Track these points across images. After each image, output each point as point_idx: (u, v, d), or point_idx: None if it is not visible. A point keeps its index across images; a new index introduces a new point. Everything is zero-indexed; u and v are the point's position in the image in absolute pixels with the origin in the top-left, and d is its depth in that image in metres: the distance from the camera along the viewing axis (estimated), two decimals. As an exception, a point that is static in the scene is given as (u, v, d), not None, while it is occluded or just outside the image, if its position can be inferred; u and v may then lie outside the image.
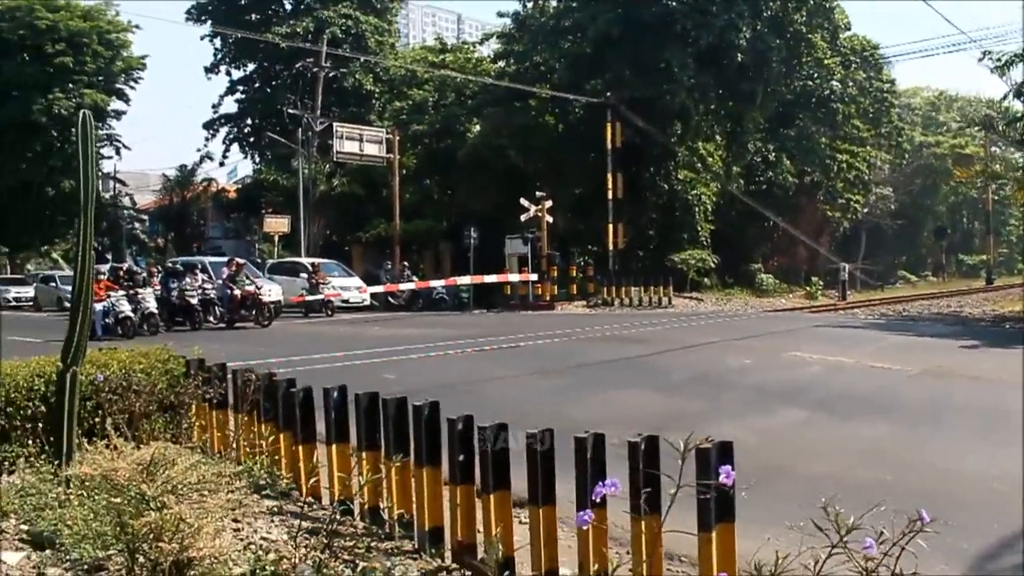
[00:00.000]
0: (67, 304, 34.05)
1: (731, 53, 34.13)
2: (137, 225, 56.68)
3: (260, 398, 6.00)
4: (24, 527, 4.51)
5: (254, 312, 23.70)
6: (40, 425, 5.97)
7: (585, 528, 2.71)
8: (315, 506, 5.59)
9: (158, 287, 22.99)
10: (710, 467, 3.65)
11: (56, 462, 4.92)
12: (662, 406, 10.43)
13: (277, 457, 5.94)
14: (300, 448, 5.71)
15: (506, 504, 4.62)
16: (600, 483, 2.75)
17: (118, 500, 3.84)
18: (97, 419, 6.14)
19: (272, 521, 5.10)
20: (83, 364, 5.47)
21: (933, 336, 19.27)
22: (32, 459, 5.82)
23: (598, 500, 3.00)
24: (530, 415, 9.29)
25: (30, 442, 5.91)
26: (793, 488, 6.81)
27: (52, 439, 5.69)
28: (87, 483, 4.78)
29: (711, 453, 3.64)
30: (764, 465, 7.36)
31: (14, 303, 39.83)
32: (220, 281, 24.14)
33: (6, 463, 5.90)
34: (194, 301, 22.91)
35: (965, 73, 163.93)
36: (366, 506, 5.31)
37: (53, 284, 38.39)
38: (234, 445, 6.17)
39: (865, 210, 53.53)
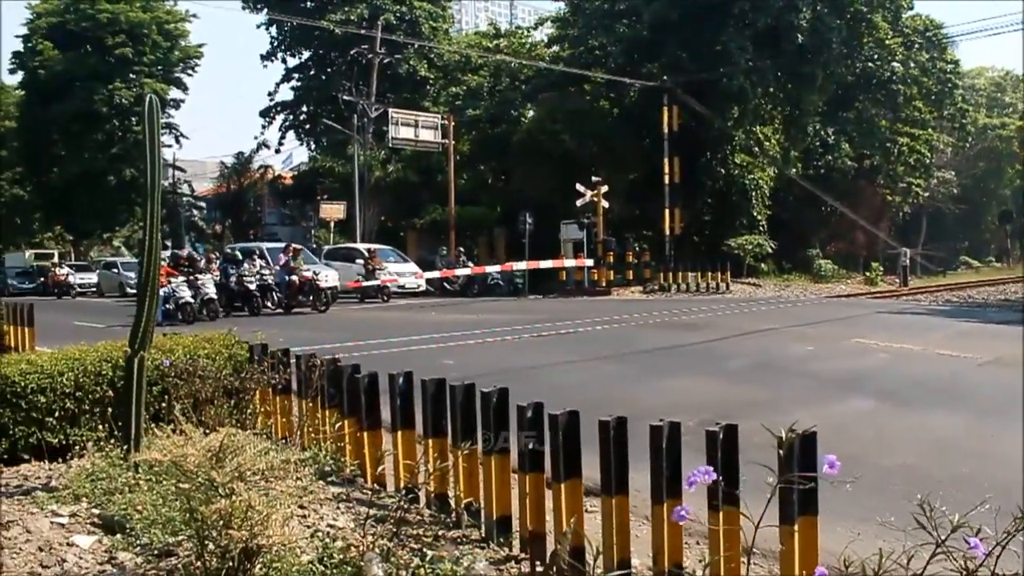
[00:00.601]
0: (129, 290, 34.80)
1: (790, 35, 33.55)
2: (195, 212, 57.48)
3: (324, 383, 5.95)
4: (95, 511, 4.52)
5: (311, 298, 23.86)
6: (109, 410, 6.02)
7: (680, 521, 2.58)
8: (381, 493, 5.54)
9: (217, 273, 23.25)
10: (794, 457, 3.52)
11: (125, 447, 4.92)
12: (726, 394, 10.25)
13: (342, 443, 5.90)
14: (365, 434, 5.66)
15: (577, 493, 4.51)
16: (696, 471, 2.63)
17: (187, 486, 3.81)
18: (163, 404, 6.19)
19: (338, 508, 5.06)
20: (150, 349, 5.46)
21: (1001, 323, 18.73)
22: (101, 443, 5.86)
23: (692, 489, 2.87)
24: (594, 401, 9.17)
25: (99, 427, 5.95)
26: (868, 480, 6.59)
27: (120, 424, 5.73)
28: (156, 468, 4.78)
29: (797, 443, 3.50)
30: (836, 456, 7.15)
31: (78, 289, 40.61)
32: (278, 267, 24.32)
33: (76, 447, 5.95)
34: (252, 287, 23.12)
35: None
36: (433, 494, 5.24)
37: (115, 270, 39.15)
38: (298, 431, 6.14)
39: (926, 194, 52.29)
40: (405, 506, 5.12)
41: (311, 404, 6.29)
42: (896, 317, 19.79)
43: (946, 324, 18.23)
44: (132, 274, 35.49)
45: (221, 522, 3.79)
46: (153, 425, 5.65)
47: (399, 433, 5.44)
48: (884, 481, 6.66)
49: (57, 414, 5.91)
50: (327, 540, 4.43)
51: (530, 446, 4.64)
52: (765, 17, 33.03)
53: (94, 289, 40.63)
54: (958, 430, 8.53)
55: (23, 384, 5.79)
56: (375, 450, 5.50)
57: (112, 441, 5.84)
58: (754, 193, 37.22)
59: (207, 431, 5.71)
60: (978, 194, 66.47)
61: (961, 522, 2.50)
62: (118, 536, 4.29)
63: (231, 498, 3.71)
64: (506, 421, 4.83)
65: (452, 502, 5.15)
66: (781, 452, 2.77)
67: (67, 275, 39.53)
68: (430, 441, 5.20)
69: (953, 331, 16.95)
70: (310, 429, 6.17)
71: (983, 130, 64.80)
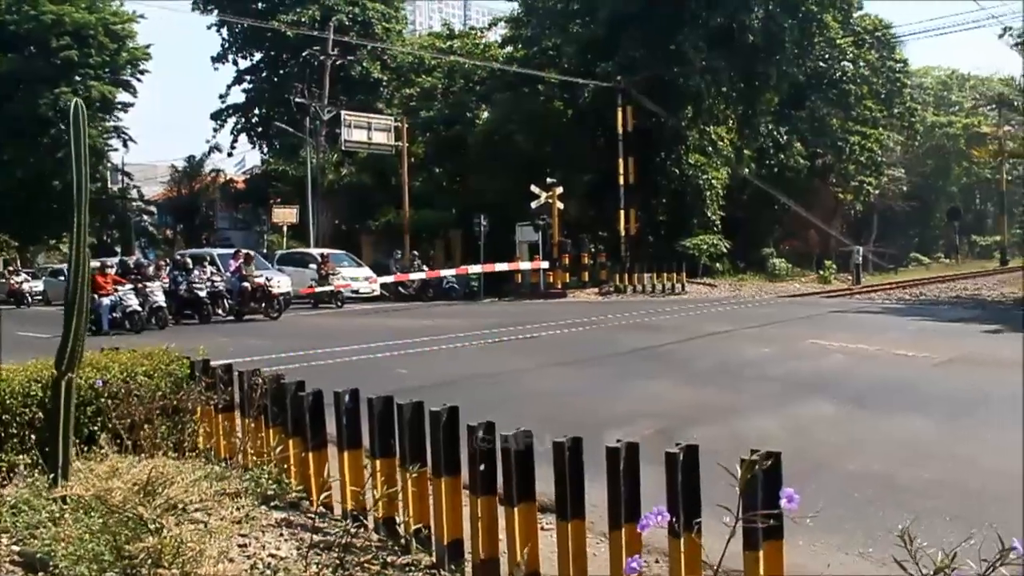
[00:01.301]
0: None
1: (743, 34, 33.65)
2: (146, 217, 56.48)
3: (267, 402, 5.67)
4: (15, 548, 4.20)
5: (263, 304, 23.41)
6: (36, 434, 5.68)
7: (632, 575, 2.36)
8: (327, 518, 5.28)
9: (167, 280, 22.75)
10: (757, 487, 3.33)
11: (51, 476, 4.61)
12: (687, 399, 10.09)
13: (286, 465, 5.62)
14: (311, 455, 5.39)
15: (532, 516, 4.30)
16: (649, 514, 2.42)
17: (113, 522, 3.54)
18: (96, 426, 5.86)
19: (281, 535, 4.79)
20: (80, 368, 5.14)
21: (954, 321, 18.87)
22: (29, 470, 5.53)
23: (645, 532, 2.66)
24: (551, 413, 8.98)
25: (23, 454, 5.62)
26: (835, 488, 6.47)
27: (48, 449, 5.41)
28: (83, 500, 4.49)
29: (760, 476, 3.30)
30: (800, 462, 7.05)
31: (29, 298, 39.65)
32: (228, 273, 23.88)
33: (0, 473, 5.61)
34: (203, 294, 22.68)
35: (977, 51, 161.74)
36: (381, 518, 4.99)
37: (62, 278, 38.07)
38: (240, 453, 5.85)
39: (877, 192, 52.84)
40: (352, 531, 4.88)
41: (253, 423, 6.00)
42: (851, 316, 19.84)
43: (901, 323, 18.30)
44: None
45: (150, 560, 3.52)
46: (85, 448, 5.34)
47: (345, 454, 5.18)
48: (850, 488, 6.54)
49: (-20, 439, 5.57)
50: (267, 572, 4.18)
51: (481, 467, 4.42)
52: (719, 16, 33.11)
53: (40, 297, 39.63)
54: (921, 433, 8.43)
55: (-57, 409, 5.45)
56: (320, 472, 5.24)
57: (39, 469, 5.52)
58: (708, 193, 37.24)
59: (143, 455, 5.43)
60: (927, 191, 67.43)
61: (944, 565, 2.30)
62: (40, 575, 3.99)
63: (161, 534, 3.45)
64: (456, 441, 4.60)
65: (401, 527, 4.90)
66: (739, 489, 2.56)
67: (22, 282, 37.79)
68: (378, 462, 4.95)
69: (908, 330, 17.01)
70: (252, 450, 5.88)
71: (931, 128, 65.75)
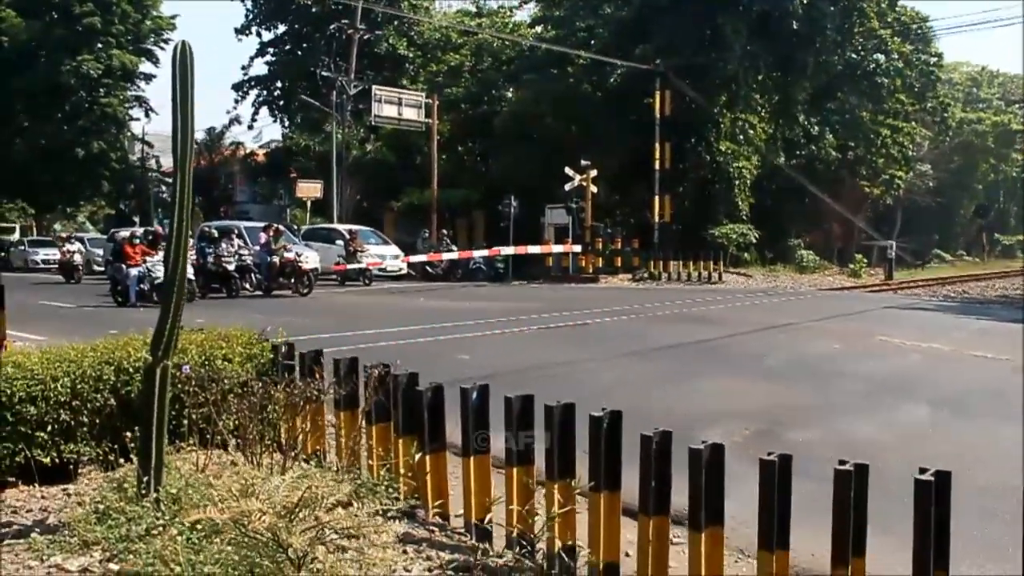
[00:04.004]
0: (96, 267, 32.64)
1: (785, 20, 32.77)
2: (164, 188, 55.79)
3: (374, 395, 4.95)
4: (112, 566, 3.53)
5: (292, 280, 22.75)
6: (108, 423, 5.05)
7: None
8: (446, 530, 4.62)
9: (193, 253, 22.08)
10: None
11: (145, 479, 3.93)
12: (770, 397, 9.42)
13: (386, 462, 4.94)
14: (427, 458, 4.72)
15: (718, 544, 3.64)
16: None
17: (248, 551, 2.87)
18: (173, 414, 5.19)
19: (405, 552, 4.13)
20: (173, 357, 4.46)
21: (1013, 322, 18.10)
22: (102, 462, 4.90)
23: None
24: (633, 409, 8.30)
25: (98, 443, 4.98)
26: (974, 504, 5.78)
27: (128, 440, 4.77)
28: (182, 501, 3.84)
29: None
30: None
31: (42, 265, 39.08)
32: (257, 247, 23.21)
33: (71, 466, 4.97)
34: (231, 268, 22.02)
35: (1009, 48, 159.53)
36: (514, 533, 4.32)
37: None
38: (373, 462, 5.11)
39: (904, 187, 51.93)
40: (480, 548, 4.24)
41: (349, 415, 5.33)
42: (907, 313, 19.12)
43: (961, 323, 17.53)
44: (100, 251, 34.00)
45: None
46: (168, 445, 4.68)
47: (472, 459, 4.50)
48: (991, 505, 5.90)
49: (50, 428, 4.90)
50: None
51: (653, 484, 3.76)
52: (762, 1, 32.24)
53: (57, 266, 39.03)
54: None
55: (10, 392, 4.77)
56: (440, 478, 4.58)
57: (116, 460, 4.89)
58: (738, 182, 36.44)
59: (252, 455, 4.77)
60: (952, 188, 66.37)
61: None
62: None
63: (312, 567, 2.79)
64: (618, 451, 3.94)
65: (542, 546, 4.23)
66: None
67: (74, 252, 31.68)
68: (515, 470, 4.28)
69: (972, 329, 16.29)
70: (350, 446, 5.21)
71: (959, 124, 64.62)
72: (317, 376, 5.38)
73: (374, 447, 5.03)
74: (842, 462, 3.37)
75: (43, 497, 4.73)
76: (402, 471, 4.80)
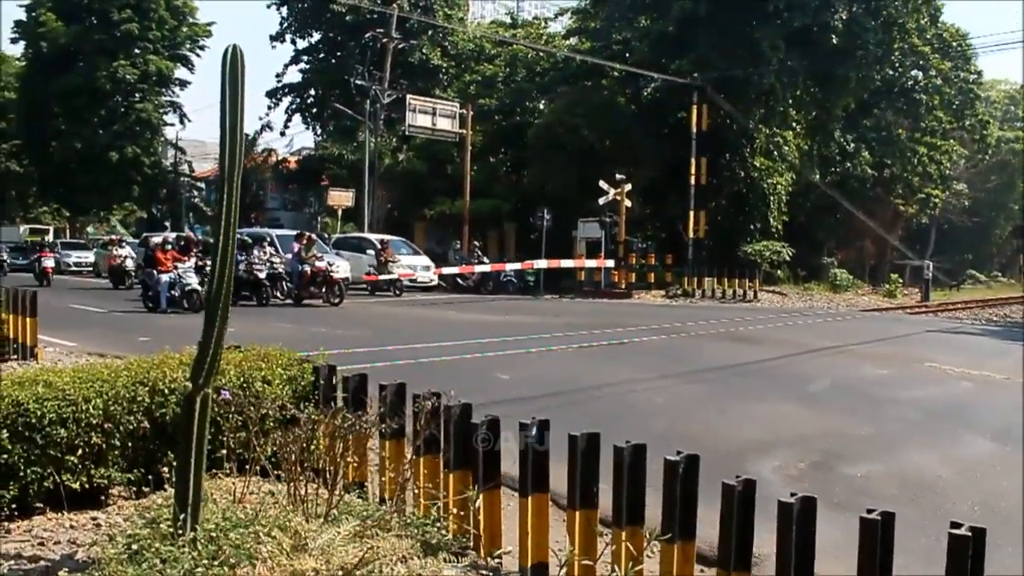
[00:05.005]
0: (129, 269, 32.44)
1: (825, 35, 32.30)
2: (195, 193, 56.06)
3: (425, 428, 4.63)
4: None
5: (324, 289, 22.55)
6: (142, 447, 4.78)
7: None
8: (499, 572, 4.31)
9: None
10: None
11: (182, 515, 3.64)
12: (822, 425, 9.04)
13: (439, 500, 4.63)
14: (481, 496, 4.40)
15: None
16: None
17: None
18: (209, 439, 4.91)
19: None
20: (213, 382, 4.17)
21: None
22: (134, 489, 4.63)
23: None
24: (680, 436, 7.96)
25: (129, 468, 4.72)
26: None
27: (164, 466, 4.51)
28: (218, 541, 3.56)
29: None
30: (994, 515, 6.11)
31: (75, 268, 39.29)
32: (289, 255, 23.06)
33: (101, 494, 4.71)
34: (262, 275, 21.88)
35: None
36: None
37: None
38: (420, 498, 4.81)
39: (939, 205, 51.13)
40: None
41: (395, 445, 5.03)
42: (951, 337, 18.61)
43: (1009, 348, 17.01)
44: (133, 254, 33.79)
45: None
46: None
47: (530, 498, 4.18)
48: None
49: (80, 451, 4.65)
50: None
51: (734, 540, 3.43)
52: (801, 15, 31.79)
53: (91, 269, 39.18)
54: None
55: (40, 413, 4.52)
56: (494, 518, 4.27)
57: (146, 488, 4.62)
58: (772, 198, 35.91)
59: (268, 478, 4.49)
60: (988, 207, 65.32)
61: None
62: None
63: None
64: (694, 499, 3.62)
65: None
66: None
67: (125, 257, 30.12)
68: (577, 514, 3.96)
69: (1021, 356, 15.78)
70: (393, 474, 4.91)
71: (997, 143, 63.60)
72: (364, 405, 5.08)
73: (421, 483, 4.72)
74: (869, 511, 3.09)
75: (71, 527, 4.47)
76: (452, 509, 4.48)
